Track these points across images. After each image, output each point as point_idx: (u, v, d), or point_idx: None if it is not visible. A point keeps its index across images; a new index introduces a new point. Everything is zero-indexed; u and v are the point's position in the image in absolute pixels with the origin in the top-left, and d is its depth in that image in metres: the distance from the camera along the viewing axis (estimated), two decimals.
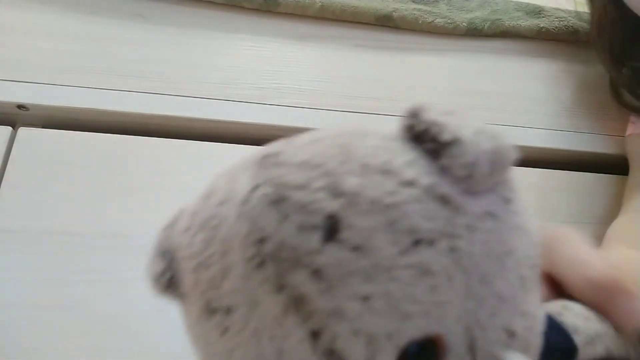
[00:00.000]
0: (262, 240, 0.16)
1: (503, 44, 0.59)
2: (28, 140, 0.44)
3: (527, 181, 0.51)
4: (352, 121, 0.51)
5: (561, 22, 0.60)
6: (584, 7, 0.65)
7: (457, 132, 0.17)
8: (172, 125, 0.48)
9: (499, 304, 0.17)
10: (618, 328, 0.23)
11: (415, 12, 0.57)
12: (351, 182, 0.16)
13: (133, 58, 0.50)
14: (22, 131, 0.45)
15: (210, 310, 0.18)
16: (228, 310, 0.17)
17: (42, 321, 0.38)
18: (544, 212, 0.50)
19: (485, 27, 0.58)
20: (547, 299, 0.24)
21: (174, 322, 0.40)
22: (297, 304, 0.15)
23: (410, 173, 0.17)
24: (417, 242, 0.16)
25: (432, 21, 0.57)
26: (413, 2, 0.59)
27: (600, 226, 0.50)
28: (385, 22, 0.56)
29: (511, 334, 0.18)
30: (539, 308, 0.20)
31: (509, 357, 0.17)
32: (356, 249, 0.15)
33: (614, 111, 0.57)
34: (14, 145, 0.44)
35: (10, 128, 0.45)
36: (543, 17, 0.61)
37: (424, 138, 0.18)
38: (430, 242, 0.16)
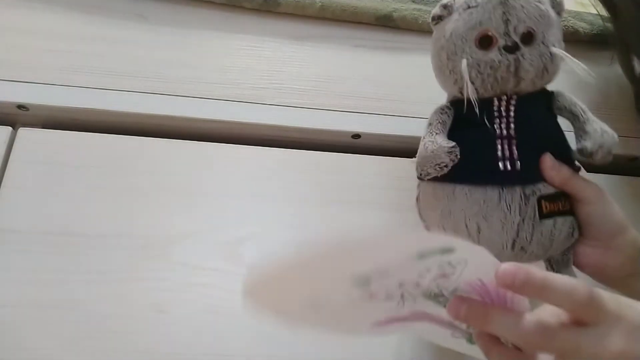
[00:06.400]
0: None
1: None
2: (28, 140, 0.44)
3: None
4: (352, 121, 0.51)
5: (561, 22, 0.60)
6: (583, 7, 0.65)
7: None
8: (172, 125, 0.48)
9: None
10: None
11: (415, 12, 0.57)
12: None
13: (133, 58, 0.50)
14: (22, 131, 0.45)
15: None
16: None
17: (42, 321, 0.38)
18: None
19: None
20: None
21: (174, 322, 0.40)
22: None
23: None
24: None
25: None
26: (413, 2, 0.59)
27: None
28: (385, 22, 0.56)
29: None
30: None
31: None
32: None
33: (614, 111, 0.57)
34: (14, 145, 0.44)
35: (10, 128, 0.45)
36: None
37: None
38: None
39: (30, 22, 0.49)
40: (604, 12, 0.58)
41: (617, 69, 0.58)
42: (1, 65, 0.47)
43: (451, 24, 0.37)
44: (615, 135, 0.37)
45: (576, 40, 0.60)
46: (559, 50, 0.36)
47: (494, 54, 0.35)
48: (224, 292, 0.41)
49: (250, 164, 0.47)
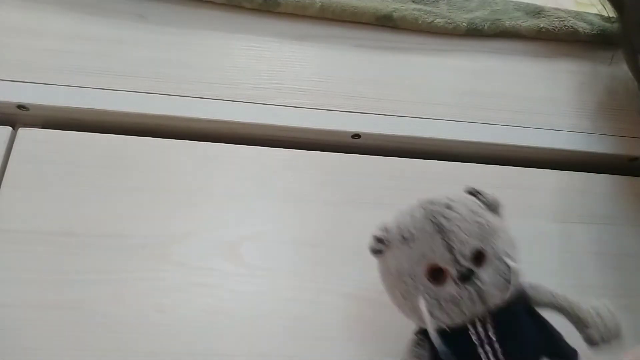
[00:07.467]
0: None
1: (503, 44, 0.59)
2: (28, 140, 0.44)
3: (526, 182, 0.51)
4: (352, 121, 0.51)
5: (561, 22, 0.60)
6: (583, 7, 0.65)
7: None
8: (172, 125, 0.48)
9: None
10: None
11: (415, 12, 0.57)
12: None
13: (133, 58, 0.50)
14: (22, 131, 0.45)
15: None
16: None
17: (42, 321, 0.38)
18: (544, 212, 0.50)
19: (485, 27, 0.58)
20: None
21: (174, 322, 0.40)
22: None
23: None
24: None
25: (432, 21, 0.57)
26: (413, 2, 0.59)
27: (608, 227, 0.50)
28: (385, 22, 0.56)
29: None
30: None
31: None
32: None
33: (612, 111, 0.57)
34: (14, 145, 0.44)
35: (10, 128, 0.45)
36: (543, 17, 0.61)
37: None
38: None
39: (31, 22, 0.49)
40: (606, 12, 0.58)
41: (617, 69, 0.58)
42: (1, 65, 0.47)
43: (393, 260, 0.34)
44: (611, 308, 0.35)
45: (576, 40, 0.60)
46: (514, 264, 0.33)
47: (450, 287, 0.32)
48: (224, 292, 0.41)
49: (250, 164, 0.47)
